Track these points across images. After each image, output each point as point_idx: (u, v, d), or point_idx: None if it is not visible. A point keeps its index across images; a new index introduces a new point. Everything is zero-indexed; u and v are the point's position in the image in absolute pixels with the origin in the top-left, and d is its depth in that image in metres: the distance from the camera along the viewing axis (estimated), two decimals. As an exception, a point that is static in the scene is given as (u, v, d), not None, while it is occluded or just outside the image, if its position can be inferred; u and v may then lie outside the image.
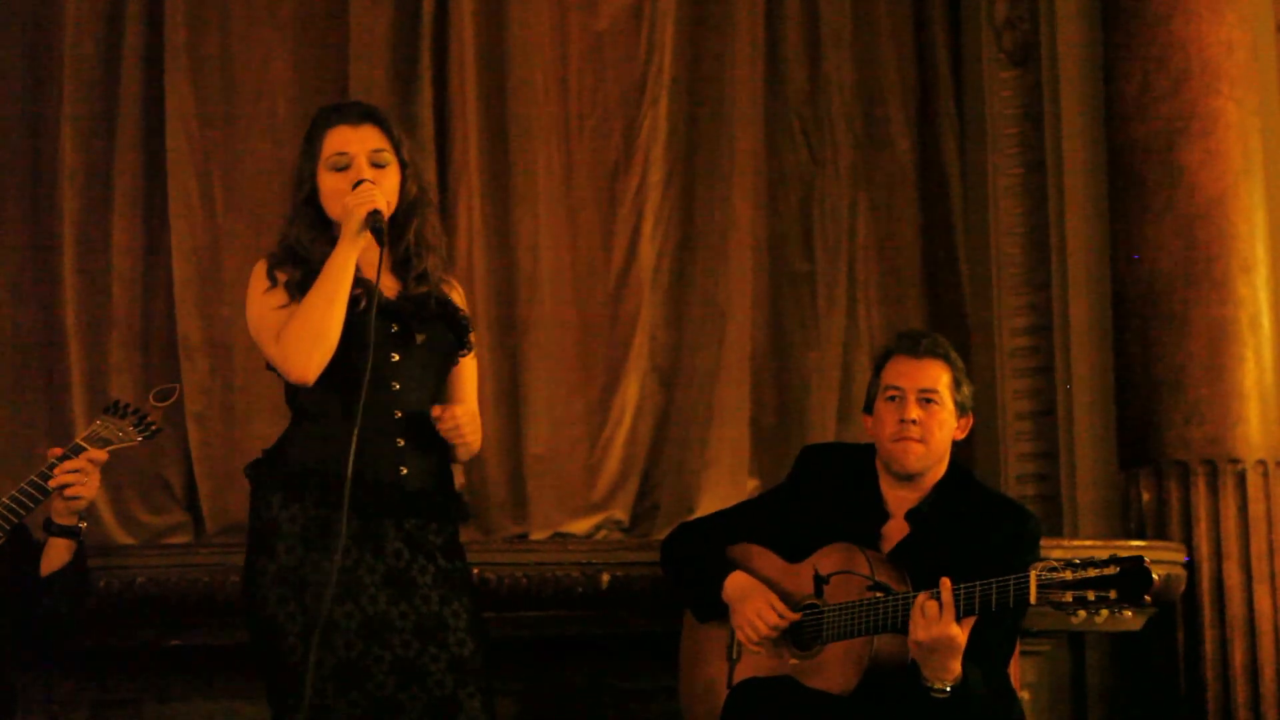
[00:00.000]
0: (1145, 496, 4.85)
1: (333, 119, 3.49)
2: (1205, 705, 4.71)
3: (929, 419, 3.70)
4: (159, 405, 3.78)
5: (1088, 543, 4.62)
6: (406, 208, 3.51)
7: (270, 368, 3.48)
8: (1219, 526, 4.76)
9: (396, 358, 3.45)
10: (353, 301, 3.38)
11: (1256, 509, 4.77)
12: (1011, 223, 5.33)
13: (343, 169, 3.44)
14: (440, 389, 3.56)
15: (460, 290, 3.64)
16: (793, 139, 5.48)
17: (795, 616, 3.62)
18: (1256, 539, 4.76)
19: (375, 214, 3.36)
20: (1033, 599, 3.27)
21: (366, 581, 3.38)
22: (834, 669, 3.54)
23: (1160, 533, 4.80)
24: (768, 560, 3.75)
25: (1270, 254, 4.90)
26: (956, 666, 3.40)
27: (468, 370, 3.63)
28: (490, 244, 5.30)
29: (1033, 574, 3.27)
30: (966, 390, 3.77)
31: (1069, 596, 3.24)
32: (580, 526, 5.20)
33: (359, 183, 3.40)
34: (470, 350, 3.61)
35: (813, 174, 5.49)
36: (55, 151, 5.21)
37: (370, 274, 3.42)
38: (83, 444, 3.58)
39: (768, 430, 5.40)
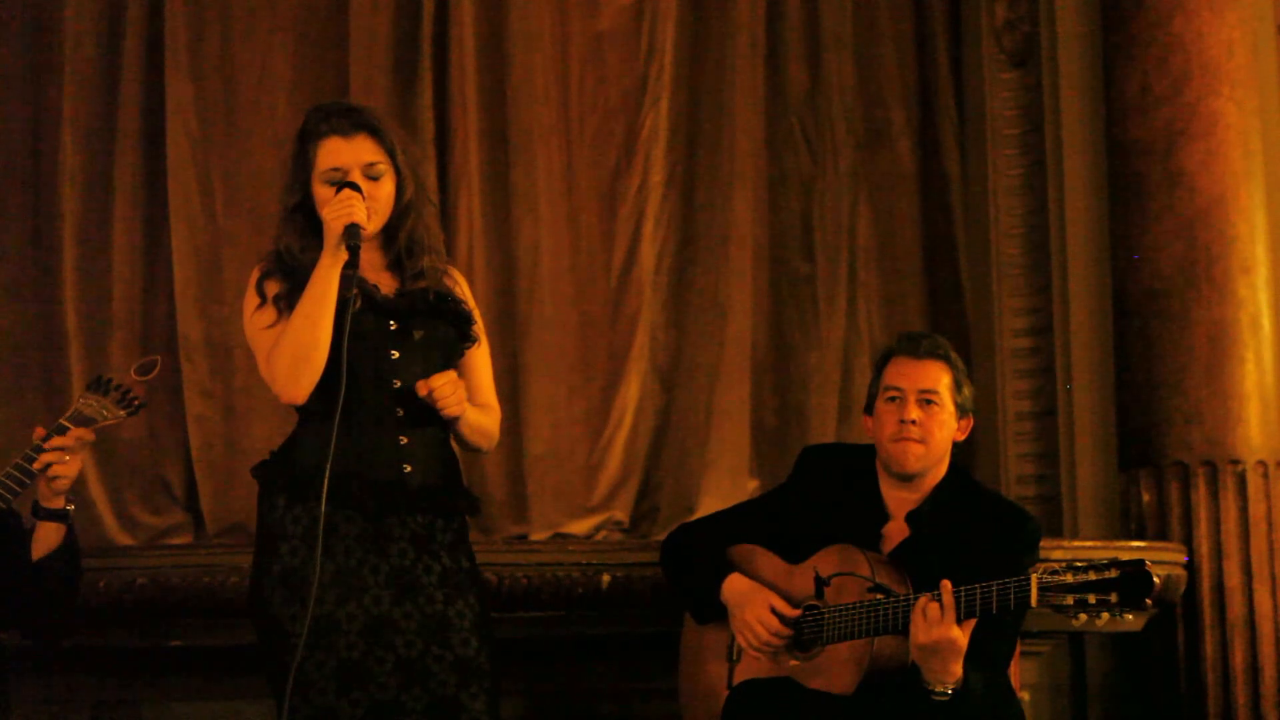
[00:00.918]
0: (1145, 497, 4.85)
1: (324, 129, 3.45)
2: (1205, 706, 4.71)
3: (929, 420, 3.70)
4: (141, 379, 3.74)
5: (1088, 543, 4.63)
6: (401, 210, 3.50)
7: (267, 374, 3.49)
8: (1219, 527, 4.76)
9: (396, 355, 3.45)
10: (348, 303, 3.37)
11: (1257, 510, 4.77)
12: (1011, 223, 5.33)
13: (336, 184, 3.41)
14: None
15: (463, 281, 3.62)
16: (793, 140, 5.48)
17: (795, 613, 3.61)
18: (1257, 540, 4.76)
19: (352, 228, 3.34)
20: (1034, 602, 3.27)
21: (370, 582, 3.38)
22: (834, 670, 3.53)
23: (1160, 533, 4.80)
24: (768, 561, 3.75)
25: (1270, 255, 4.89)
26: (957, 668, 3.40)
27: (478, 362, 3.61)
28: (490, 244, 5.30)
29: (1034, 577, 3.27)
30: (967, 391, 3.77)
31: (1070, 599, 3.24)
32: (580, 527, 5.20)
33: (341, 186, 3.38)
34: (475, 342, 3.59)
35: (813, 175, 5.48)
36: (55, 153, 5.22)
37: (369, 273, 3.43)
38: (66, 423, 3.57)
39: (768, 431, 5.40)
